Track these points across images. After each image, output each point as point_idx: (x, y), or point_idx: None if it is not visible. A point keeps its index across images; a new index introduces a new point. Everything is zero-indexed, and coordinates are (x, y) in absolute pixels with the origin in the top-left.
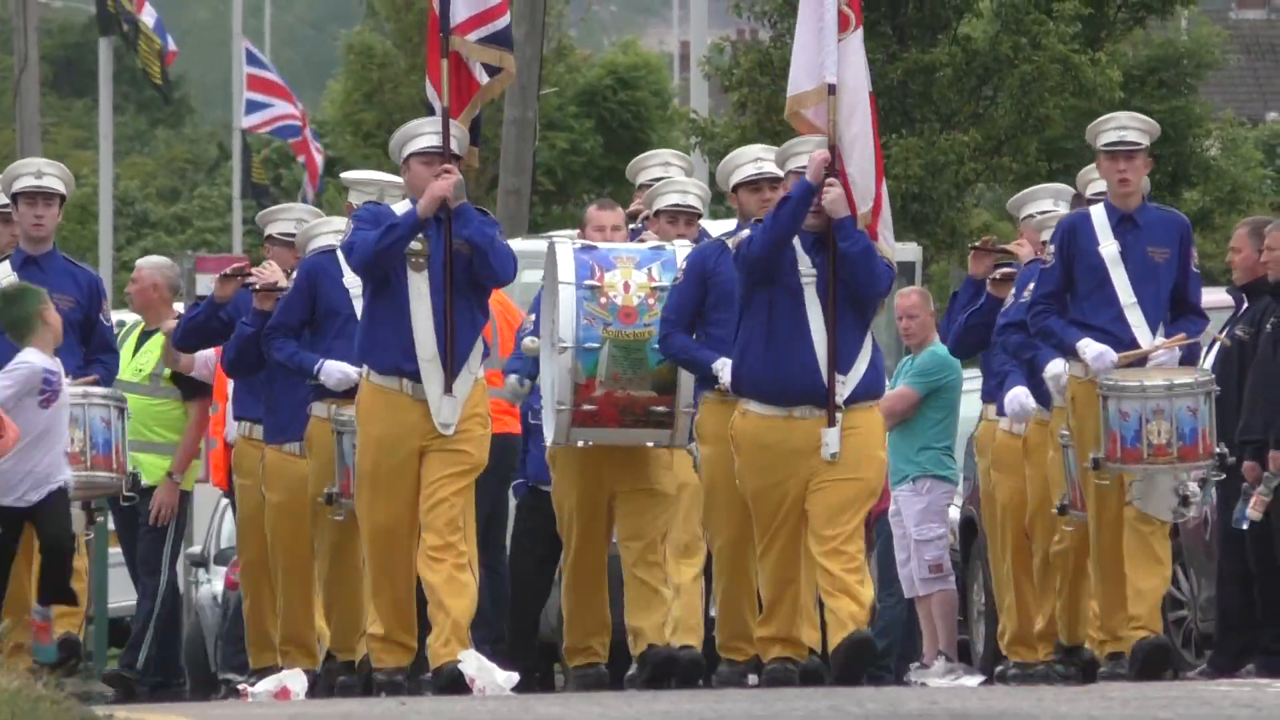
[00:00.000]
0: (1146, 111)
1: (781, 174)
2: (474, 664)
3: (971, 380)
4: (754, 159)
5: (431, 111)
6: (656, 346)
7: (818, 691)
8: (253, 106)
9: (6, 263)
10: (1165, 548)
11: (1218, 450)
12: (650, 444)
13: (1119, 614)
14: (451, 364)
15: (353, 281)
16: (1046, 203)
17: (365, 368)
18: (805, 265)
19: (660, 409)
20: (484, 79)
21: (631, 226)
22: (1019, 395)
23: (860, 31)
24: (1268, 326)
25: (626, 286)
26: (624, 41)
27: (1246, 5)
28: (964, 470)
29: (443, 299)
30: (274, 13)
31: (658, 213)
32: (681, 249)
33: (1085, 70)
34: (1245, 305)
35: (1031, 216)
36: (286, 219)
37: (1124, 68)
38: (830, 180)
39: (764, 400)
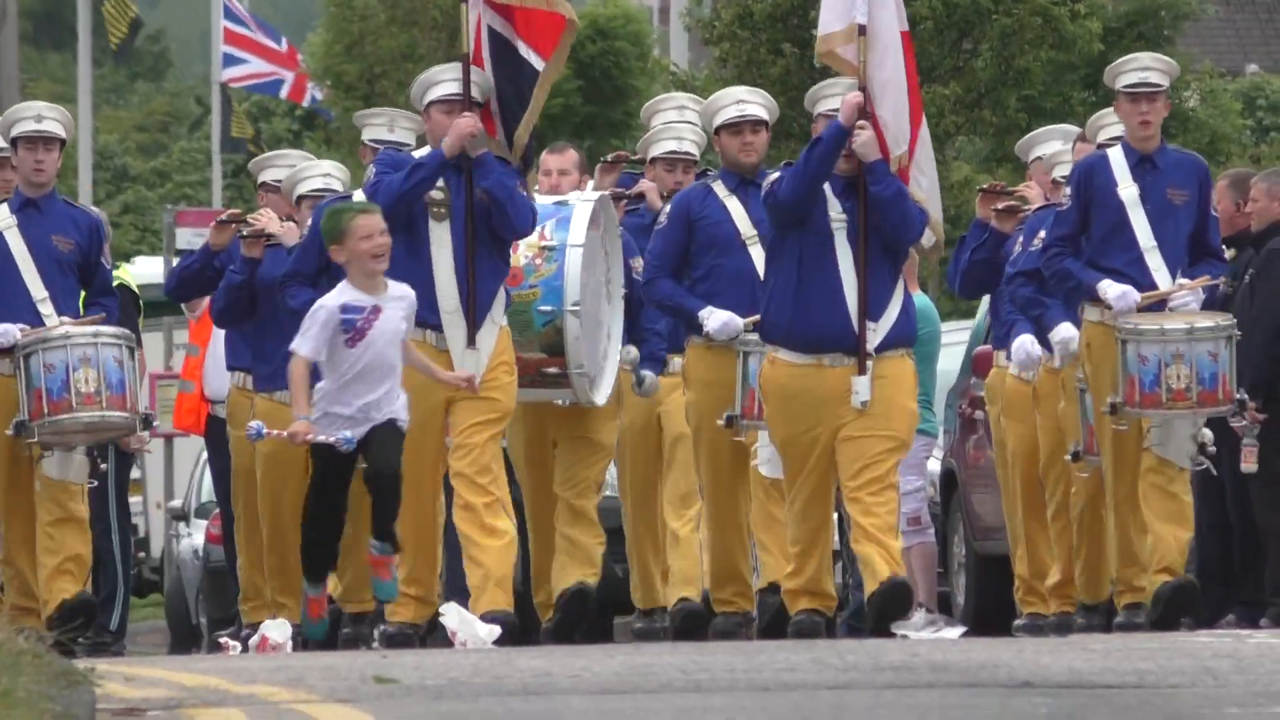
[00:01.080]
0: None
1: (765, 117)
2: (456, 617)
3: (951, 333)
4: (736, 100)
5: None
6: (543, 309)
7: (800, 644)
8: (231, 60)
9: (5, 205)
10: (1186, 493)
11: (1238, 395)
12: (559, 401)
13: (1134, 565)
14: (473, 315)
15: None
16: (1056, 143)
17: None
18: (835, 210)
19: (552, 370)
20: (572, 14)
21: (627, 172)
22: (1025, 344)
23: None
24: (1246, 279)
25: (515, 247)
26: None
27: None
28: (944, 423)
29: (464, 249)
30: None
31: (654, 160)
32: (583, 205)
33: (1065, 23)
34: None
35: (1040, 159)
36: (280, 165)
37: (1103, 20)
38: (861, 123)
39: (793, 348)
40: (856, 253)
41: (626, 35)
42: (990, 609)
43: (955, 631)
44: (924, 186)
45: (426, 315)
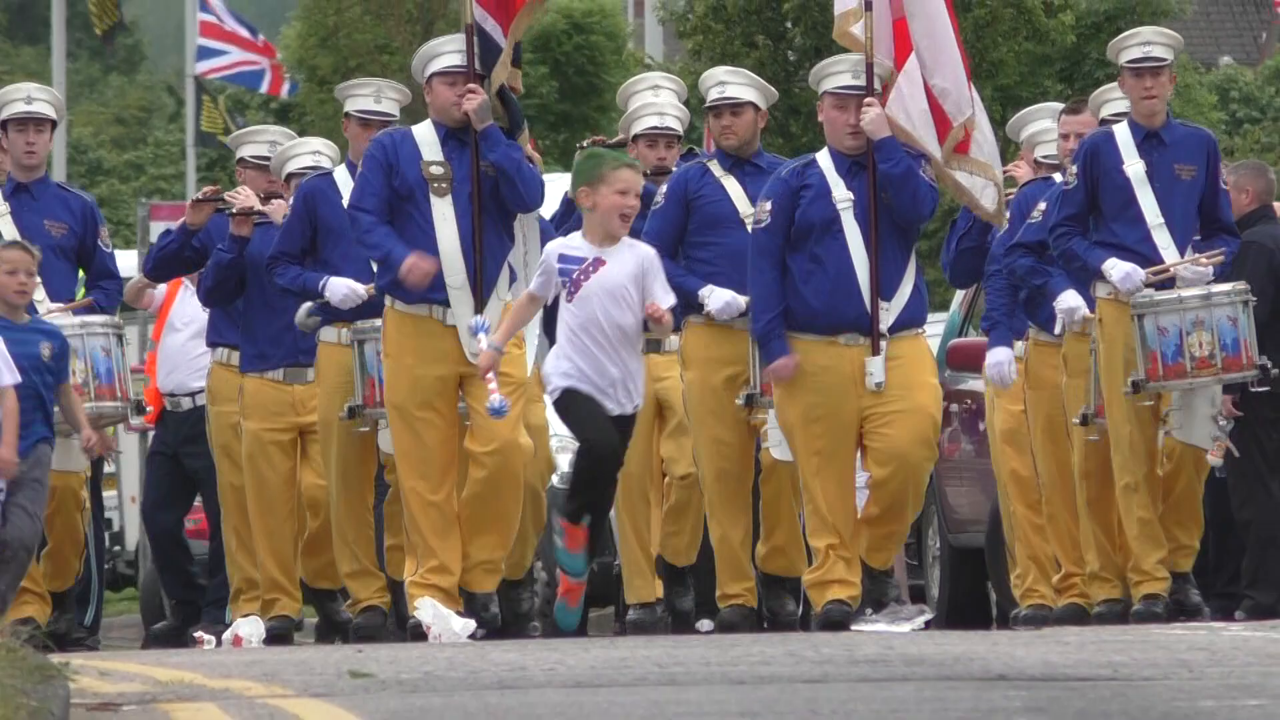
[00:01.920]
0: (1101, 59)
1: (748, 98)
2: (430, 612)
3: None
4: (717, 83)
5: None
6: None
7: (774, 637)
8: (207, 53)
9: None
10: (1199, 486)
11: (1260, 362)
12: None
13: (1157, 549)
14: (480, 290)
15: None
16: (1046, 121)
17: (390, 300)
18: (840, 191)
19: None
20: None
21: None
22: (1067, 299)
23: None
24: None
25: None
26: None
27: None
28: None
29: (470, 223)
30: None
31: (635, 138)
32: None
33: (1039, 15)
34: None
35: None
36: (259, 141)
37: (1076, 12)
38: (869, 100)
39: (806, 329)
40: (867, 232)
41: (602, 29)
42: (965, 602)
43: (923, 617)
44: (985, 151)
45: (431, 293)
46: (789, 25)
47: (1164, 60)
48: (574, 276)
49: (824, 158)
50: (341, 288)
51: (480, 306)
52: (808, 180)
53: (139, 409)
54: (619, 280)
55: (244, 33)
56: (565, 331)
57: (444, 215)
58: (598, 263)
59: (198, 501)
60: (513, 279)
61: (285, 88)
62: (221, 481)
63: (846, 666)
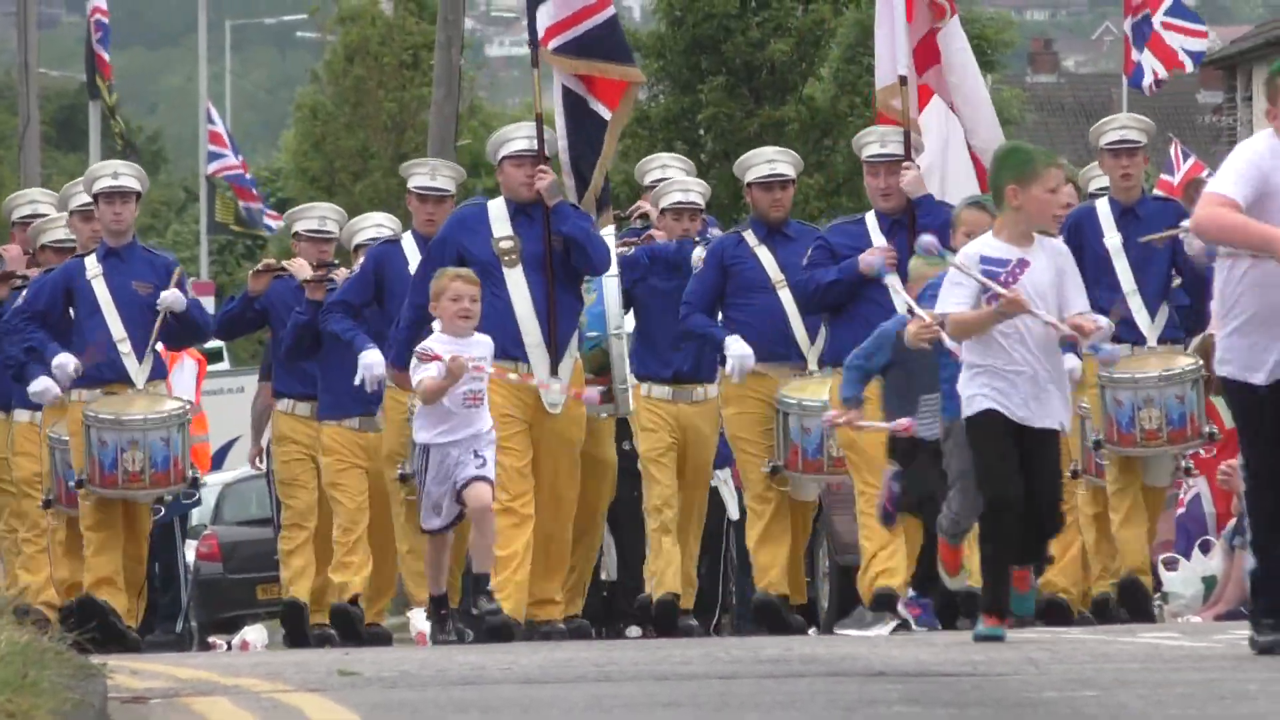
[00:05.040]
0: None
1: (792, 175)
2: (422, 620)
3: None
4: (767, 160)
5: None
6: (589, 334)
7: (693, 641)
8: (214, 155)
9: (93, 255)
10: (1155, 514)
11: (1206, 429)
12: (602, 415)
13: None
14: (555, 348)
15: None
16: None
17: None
18: (882, 245)
19: (598, 388)
20: (638, 77)
21: (641, 225)
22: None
23: (957, 17)
24: None
25: None
26: (527, 101)
27: (1039, 71)
28: None
29: (543, 290)
30: (234, 80)
31: (664, 210)
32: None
33: None
34: None
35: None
36: (310, 217)
37: None
38: (906, 164)
39: None
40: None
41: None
42: (849, 609)
43: (889, 627)
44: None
45: (511, 349)
46: (701, 132)
47: (1138, 143)
48: (1000, 279)
49: (870, 218)
50: (373, 366)
51: (555, 362)
52: (848, 233)
53: (194, 484)
54: (1043, 283)
55: (231, 153)
56: (983, 337)
57: (517, 283)
58: (1022, 264)
59: (209, 529)
60: (581, 340)
61: (258, 205)
62: (286, 511)
63: (753, 665)
